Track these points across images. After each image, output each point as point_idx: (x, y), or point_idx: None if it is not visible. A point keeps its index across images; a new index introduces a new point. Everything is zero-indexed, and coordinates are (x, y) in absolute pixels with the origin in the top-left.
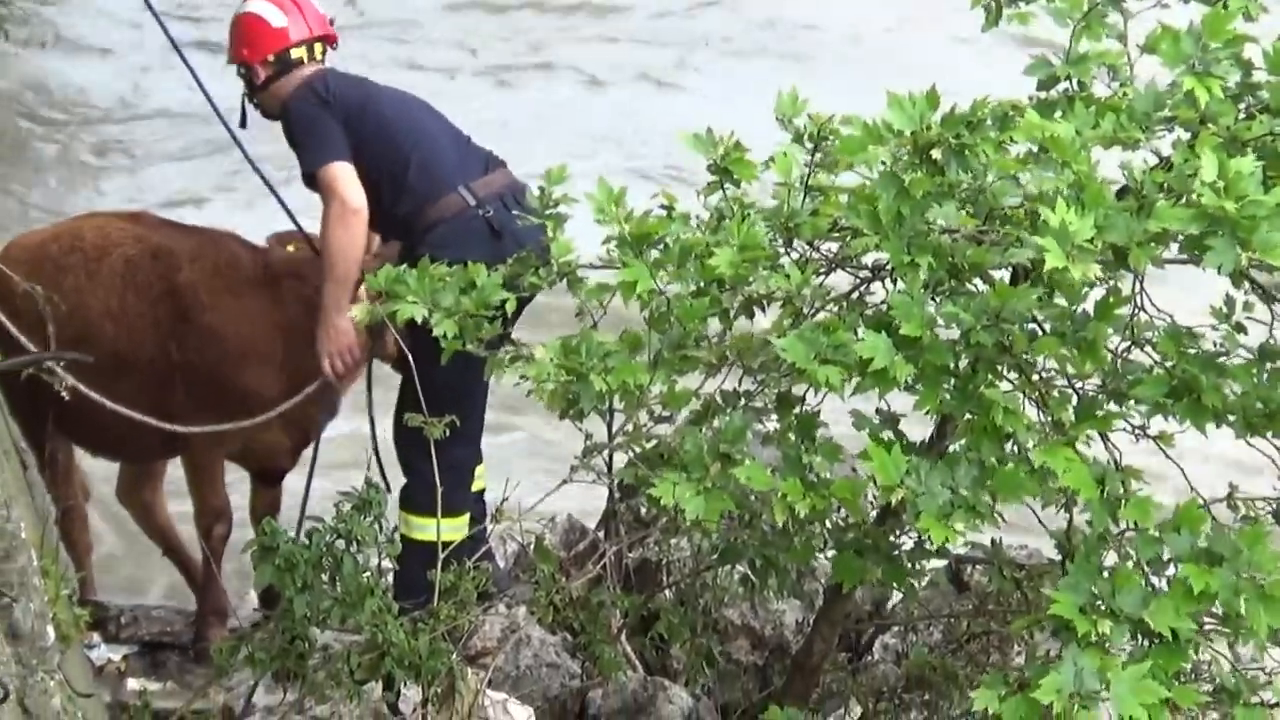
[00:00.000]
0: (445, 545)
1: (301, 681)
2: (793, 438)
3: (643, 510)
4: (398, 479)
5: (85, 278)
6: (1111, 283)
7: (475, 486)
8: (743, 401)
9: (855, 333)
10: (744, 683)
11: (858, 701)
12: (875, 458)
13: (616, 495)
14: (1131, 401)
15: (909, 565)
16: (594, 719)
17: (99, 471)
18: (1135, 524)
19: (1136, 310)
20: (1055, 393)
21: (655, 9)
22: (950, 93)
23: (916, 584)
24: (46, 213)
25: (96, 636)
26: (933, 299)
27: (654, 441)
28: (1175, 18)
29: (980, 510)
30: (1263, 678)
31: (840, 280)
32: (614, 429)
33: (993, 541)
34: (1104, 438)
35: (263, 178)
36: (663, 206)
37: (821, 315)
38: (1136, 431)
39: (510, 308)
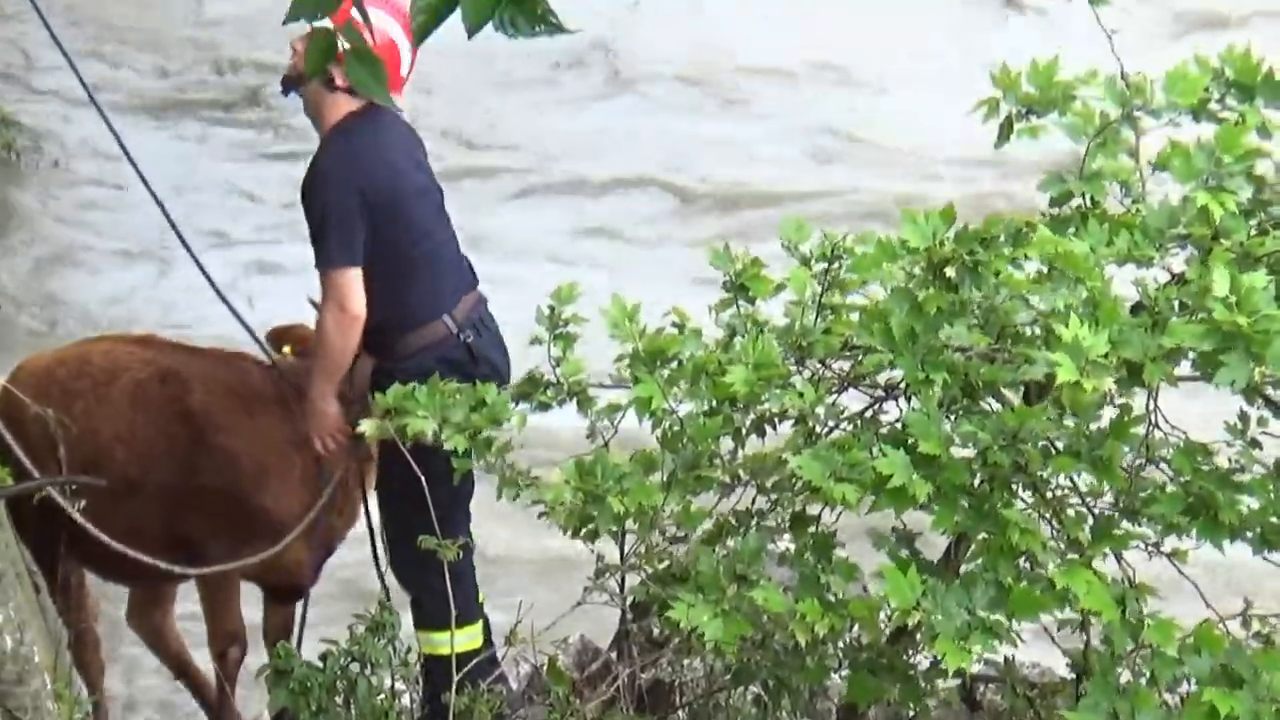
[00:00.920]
0: (469, 656)
1: None
2: (809, 557)
3: (655, 631)
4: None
5: (95, 402)
6: (1124, 400)
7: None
8: (756, 521)
9: (870, 451)
10: None
11: None
12: (890, 579)
13: (629, 616)
14: (1147, 520)
15: (923, 685)
16: None
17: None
18: (1153, 644)
19: (1151, 428)
20: (1070, 510)
21: None
22: None
23: (930, 703)
24: None
25: None
26: (947, 417)
27: (667, 562)
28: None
29: (997, 631)
30: None
31: (852, 398)
32: (626, 548)
33: (1006, 659)
34: (1118, 556)
35: (186, 246)
36: (674, 324)
37: (835, 434)
38: (1150, 549)
39: (520, 426)
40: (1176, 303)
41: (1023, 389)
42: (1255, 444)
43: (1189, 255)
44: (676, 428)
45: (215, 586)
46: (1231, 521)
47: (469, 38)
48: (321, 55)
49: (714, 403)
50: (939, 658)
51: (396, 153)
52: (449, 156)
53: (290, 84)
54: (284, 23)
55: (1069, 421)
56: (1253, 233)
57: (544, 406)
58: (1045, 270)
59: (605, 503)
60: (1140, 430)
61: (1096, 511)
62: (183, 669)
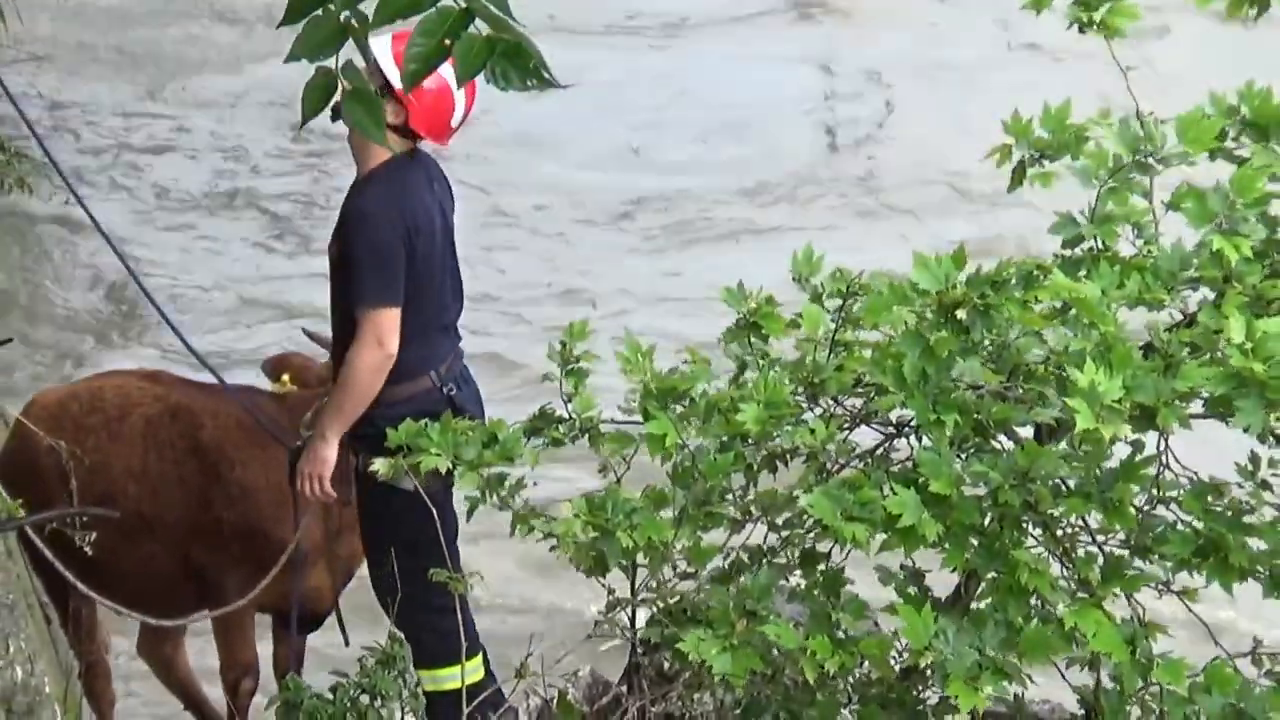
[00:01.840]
0: (471, 690)
1: None
2: (819, 594)
3: (666, 665)
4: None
5: (107, 438)
6: (1137, 438)
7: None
8: (767, 558)
9: (881, 489)
10: None
11: None
12: (906, 619)
13: (639, 650)
14: (1157, 558)
15: None
16: None
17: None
18: (1163, 683)
19: (1162, 469)
20: (1080, 550)
21: None
22: None
23: None
24: None
25: None
26: (958, 456)
27: (677, 597)
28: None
29: (1008, 671)
30: None
31: (864, 435)
32: (637, 583)
33: (1016, 696)
34: (1128, 595)
35: (157, 308)
36: (687, 363)
37: (846, 471)
38: (1160, 588)
39: (534, 464)
40: (1187, 346)
41: (1035, 428)
42: (1265, 485)
43: (1201, 298)
44: (688, 463)
45: (229, 617)
46: (1241, 564)
47: (458, 87)
48: (319, 95)
49: (725, 439)
50: (951, 697)
51: (430, 202)
52: None
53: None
54: (285, 61)
55: (1080, 461)
56: (1265, 275)
57: (556, 442)
58: (1058, 306)
59: (615, 538)
60: (1151, 471)
61: (1107, 551)
62: (192, 701)
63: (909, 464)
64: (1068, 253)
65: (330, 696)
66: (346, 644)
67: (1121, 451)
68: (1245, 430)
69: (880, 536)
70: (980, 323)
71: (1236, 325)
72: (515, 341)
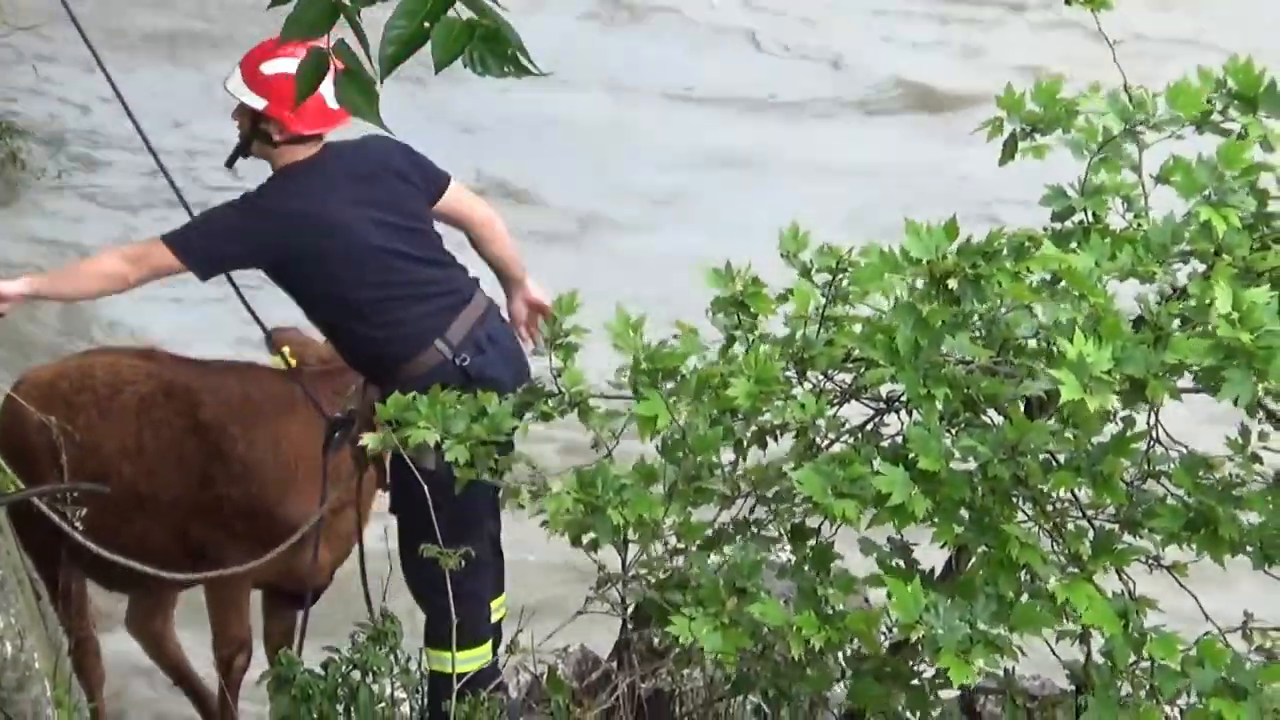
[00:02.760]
0: (463, 676)
1: None
2: (808, 570)
3: (656, 640)
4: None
5: (98, 416)
6: (1127, 413)
7: (495, 617)
8: (753, 530)
9: (870, 465)
10: None
11: None
12: (895, 593)
13: (629, 625)
14: (1147, 531)
15: (930, 694)
16: None
17: None
18: (1155, 657)
19: (1152, 443)
20: (1070, 525)
21: None
22: None
23: (931, 715)
24: None
25: None
26: (948, 431)
27: (668, 573)
28: (1188, 148)
29: (999, 645)
30: None
31: (854, 410)
32: (628, 559)
33: (1006, 672)
34: (1119, 570)
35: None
36: (676, 336)
37: (836, 447)
38: (1151, 562)
39: (524, 434)
40: (1178, 318)
41: (1024, 403)
42: (1256, 459)
43: (1191, 270)
44: (678, 436)
45: (226, 593)
46: (1231, 536)
47: (436, 72)
48: (313, 74)
49: (715, 414)
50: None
51: (342, 198)
52: None
53: (236, 155)
54: (278, 44)
55: (1070, 435)
56: (1255, 247)
57: (545, 417)
58: (1049, 279)
59: (605, 514)
60: (1141, 445)
61: (1097, 525)
62: (182, 677)
63: (899, 439)
64: (1058, 226)
65: (322, 672)
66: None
67: (1114, 428)
68: (1234, 402)
69: (870, 512)
70: (971, 293)
71: (1223, 296)
72: None
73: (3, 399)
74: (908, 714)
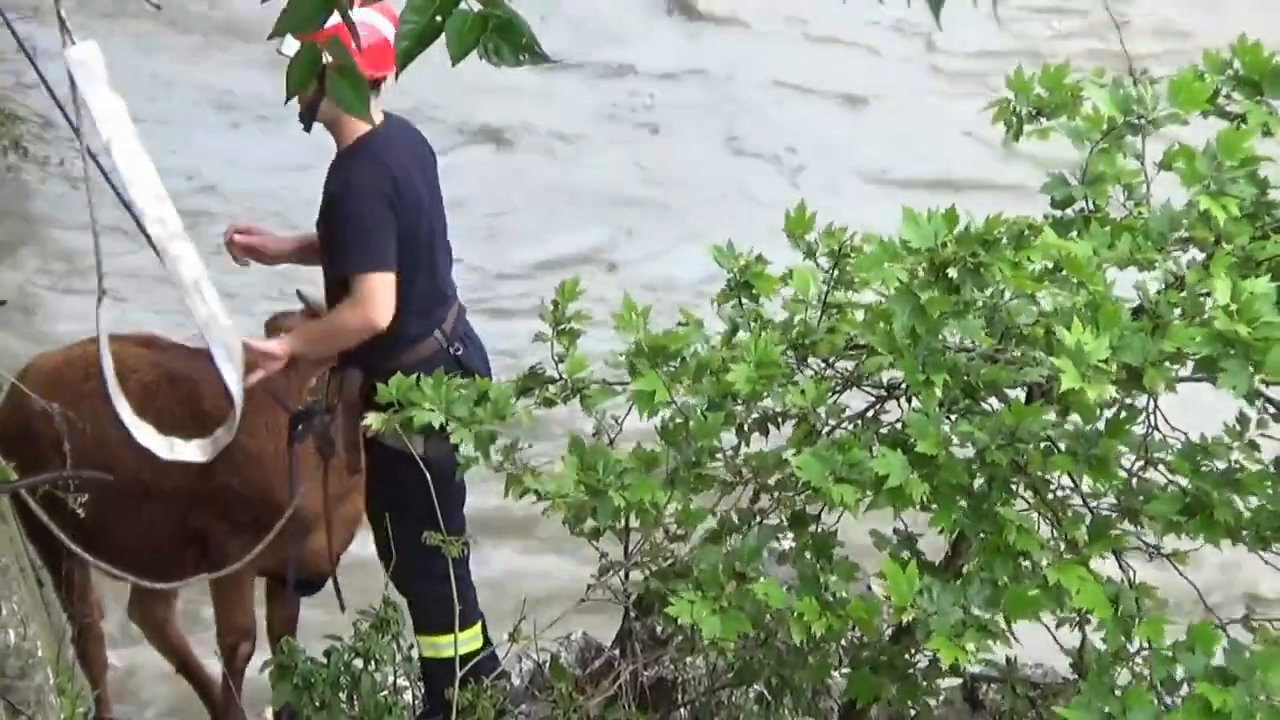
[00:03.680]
0: (470, 657)
1: None
2: (809, 556)
3: (658, 629)
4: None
5: (103, 403)
6: (1128, 401)
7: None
8: (757, 520)
9: (870, 451)
10: None
11: None
12: (890, 576)
13: (632, 613)
14: (1145, 519)
15: (924, 684)
16: None
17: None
18: (1149, 642)
19: (1150, 430)
20: (1069, 511)
21: None
22: None
23: (932, 702)
24: None
25: None
26: (948, 417)
27: (670, 560)
28: (1191, 134)
29: (992, 629)
30: None
31: (855, 397)
32: (629, 546)
33: (1007, 660)
34: (1117, 556)
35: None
36: (681, 323)
37: (837, 433)
38: (1150, 550)
39: (527, 422)
40: (1178, 308)
41: (1025, 390)
42: (1254, 446)
43: (1190, 259)
44: (679, 419)
45: (230, 581)
46: (1228, 521)
47: (453, 65)
48: (306, 69)
49: (716, 399)
50: (936, 654)
51: (414, 168)
52: None
53: (308, 114)
54: (269, 38)
55: (1069, 422)
56: (1255, 236)
57: (547, 403)
58: (1049, 266)
59: (607, 497)
60: (1139, 431)
61: (1096, 512)
62: (185, 664)
63: (899, 426)
64: (1059, 214)
65: (324, 660)
66: (343, 609)
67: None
68: (1232, 392)
69: (869, 498)
70: (971, 282)
71: (1221, 286)
72: None
73: (8, 387)
74: (907, 704)
